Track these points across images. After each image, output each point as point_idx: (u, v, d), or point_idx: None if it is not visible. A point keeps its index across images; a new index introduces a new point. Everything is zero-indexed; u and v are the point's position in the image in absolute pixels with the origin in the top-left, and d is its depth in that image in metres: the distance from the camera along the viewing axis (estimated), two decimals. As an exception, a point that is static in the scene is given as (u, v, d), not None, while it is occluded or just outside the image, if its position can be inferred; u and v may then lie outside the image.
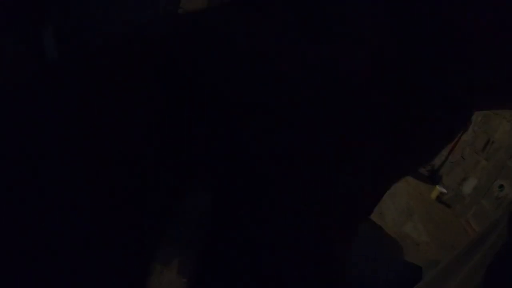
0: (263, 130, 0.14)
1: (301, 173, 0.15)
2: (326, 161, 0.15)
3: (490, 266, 0.45)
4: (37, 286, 0.12)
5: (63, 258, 0.12)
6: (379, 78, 0.15)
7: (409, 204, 2.61)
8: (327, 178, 0.15)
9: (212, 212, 0.14)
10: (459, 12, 0.15)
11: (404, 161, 0.16)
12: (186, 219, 0.15)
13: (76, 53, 0.14)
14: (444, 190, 2.78)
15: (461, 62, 0.15)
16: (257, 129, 0.14)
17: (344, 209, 0.16)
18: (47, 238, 0.12)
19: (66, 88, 0.13)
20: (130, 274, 0.14)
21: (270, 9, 0.15)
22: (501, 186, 2.31)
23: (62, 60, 0.14)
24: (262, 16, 0.15)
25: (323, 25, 0.15)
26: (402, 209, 2.52)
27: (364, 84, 0.15)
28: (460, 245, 0.58)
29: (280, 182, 0.14)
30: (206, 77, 0.14)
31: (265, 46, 0.14)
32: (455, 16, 0.15)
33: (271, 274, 0.15)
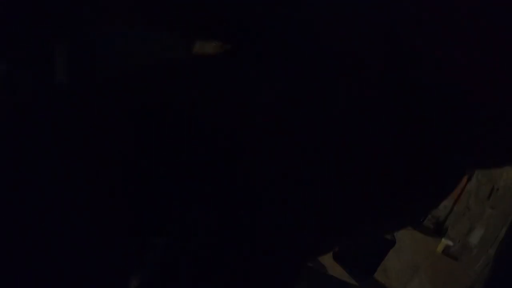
0: (263, 130, 0.15)
1: (301, 174, 0.15)
2: (326, 161, 0.15)
3: None
4: (37, 286, 0.12)
5: (62, 258, 0.12)
6: (379, 79, 0.15)
7: (415, 259, 2.56)
8: (327, 179, 0.15)
9: (210, 214, 0.14)
10: (459, 13, 0.16)
11: (408, 167, 0.16)
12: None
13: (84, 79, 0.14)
14: (451, 243, 2.71)
15: (461, 62, 0.16)
16: (257, 128, 0.15)
17: (344, 210, 0.16)
18: (46, 238, 0.12)
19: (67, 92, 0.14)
20: (130, 274, 0.14)
21: (264, 58, 0.16)
22: (509, 235, 2.24)
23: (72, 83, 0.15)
24: (256, 62, 0.15)
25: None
26: (407, 265, 2.47)
27: (364, 84, 0.15)
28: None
29: (280, 182, 0.15)
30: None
31: (258, 92, 0.15)
32: (455, 17, 0.16)
33: (270, 275, 0.15)
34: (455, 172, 0.18)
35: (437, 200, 0.18)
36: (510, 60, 0.16)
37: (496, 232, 2.36)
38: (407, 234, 2.78)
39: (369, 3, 0.17)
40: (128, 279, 0.14)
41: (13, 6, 0.15)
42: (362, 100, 0.16)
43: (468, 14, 0.17)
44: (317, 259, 2.03)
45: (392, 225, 0.18)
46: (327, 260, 2.20)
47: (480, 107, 0.17)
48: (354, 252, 2.23)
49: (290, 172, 0.15)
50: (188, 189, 0.15)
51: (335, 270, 2.22)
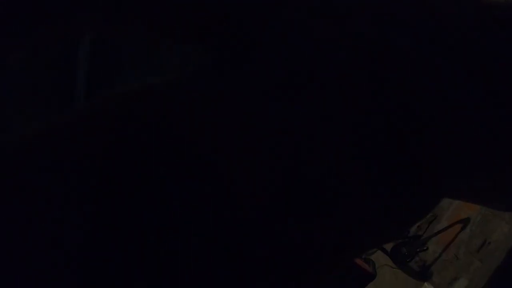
0: (262, 131, 0.15)
1: (301, 174, 0.15)
2: (326, 161, 0.15)
3: None
4: (37, 286, 0.12)
5: (62, 257, 0.12)
6: (378, 79, 0.16)
7: (393, 299, 2.52)
8: (327, 179, 0.15)
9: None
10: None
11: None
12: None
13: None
14: (432, 288, 2.66)
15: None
16: (256, 129, 0.15)
17: (343, 210, 0.15)
18: (46, 238, 0.12)
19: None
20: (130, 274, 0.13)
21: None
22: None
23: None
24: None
25: None
26: (384, 303, 2.42)
27: (363, 84, 0.16)
28: None
29: (280, 183, 0.15)
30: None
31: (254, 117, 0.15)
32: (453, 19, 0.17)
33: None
34: (454, 174, 0.18)
35: (436, 201, 0.18)
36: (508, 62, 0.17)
37: (480, 286, 2.35)
38: (389, 270, 2.74)
39: (366, 4, 0.17)
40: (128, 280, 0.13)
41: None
42: (361, 100, 0.16)
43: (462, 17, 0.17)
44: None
45: (392, 228, 0.18)
46: None
47: (478, 108, 0.17)
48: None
49: (289, 173, 0.15)
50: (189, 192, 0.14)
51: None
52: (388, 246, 2.75)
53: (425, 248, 2.86)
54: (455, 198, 0.22)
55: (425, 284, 2.74)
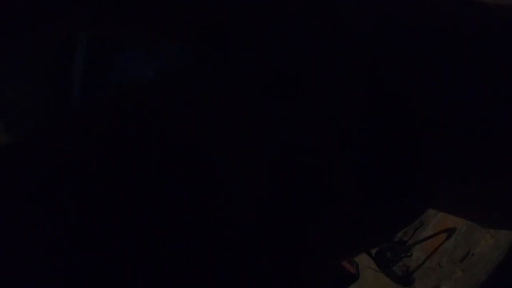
0: (262, 130, 0.15)
1: (301, 175, 0.15)
2: (326, 161, 0.15)
3: None
4: (36, 286, 0.12)
5: (62, 257, 0.12)
6: (375, 80, 0.16)
7: (373, 301, 2.54)
8: (327, 178, 0.15)
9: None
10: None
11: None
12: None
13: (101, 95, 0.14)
14: (413, 294, 2.69)
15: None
16: (256, 129, 0.15)
17: (344, 212, 0.16)
18: (46, 238, 0.12)
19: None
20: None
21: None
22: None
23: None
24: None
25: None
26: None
27: (360, 85, 0.16)
28: None
29: (280, 182, 0.15)
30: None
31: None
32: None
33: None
34: (454, 174, 0.18)
35: (435, 201, 0.18)
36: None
37: (460, 295, 2.39)
38: (372, 273, 2.76)
39: (366, 4, 0.17)
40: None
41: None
42: (360, 100, 0.16)
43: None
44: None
45: (392, 228, 0.18)
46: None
47: (478, 109, 0.17)
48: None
49: (289, 173, 0.15)
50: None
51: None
52: (373, 249, 2.78)
53: (409, 254, 2.88)
54: (452, 213, 0.22)
55: (406, 289, 2.76)
